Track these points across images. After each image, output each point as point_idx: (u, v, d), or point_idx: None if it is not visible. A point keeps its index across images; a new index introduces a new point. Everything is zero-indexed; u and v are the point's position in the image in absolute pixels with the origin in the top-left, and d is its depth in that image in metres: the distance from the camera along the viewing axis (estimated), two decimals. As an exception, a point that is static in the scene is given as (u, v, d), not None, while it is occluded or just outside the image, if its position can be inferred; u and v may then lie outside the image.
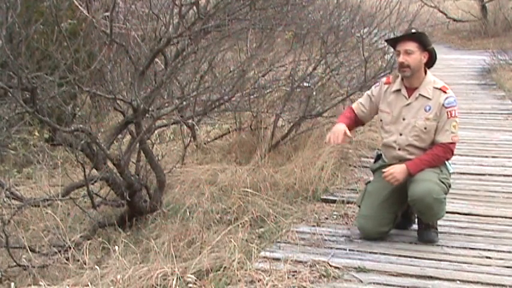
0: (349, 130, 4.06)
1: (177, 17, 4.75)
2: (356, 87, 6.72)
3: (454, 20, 18.24)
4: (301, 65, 6.57)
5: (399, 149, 4.04)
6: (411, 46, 3.96)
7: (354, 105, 4.27)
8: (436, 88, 4.00)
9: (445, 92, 3.99)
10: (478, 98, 9.53)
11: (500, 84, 10.51)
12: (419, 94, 4.01)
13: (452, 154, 4.02)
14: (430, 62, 4.06)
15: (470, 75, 11.80)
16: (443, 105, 3.96)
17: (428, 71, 4.07)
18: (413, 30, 4.05)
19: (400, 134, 4.03)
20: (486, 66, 12.33)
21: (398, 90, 4.07)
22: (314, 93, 6.37)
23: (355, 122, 4.23)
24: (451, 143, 3.97)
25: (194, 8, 4.85)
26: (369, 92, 4.25)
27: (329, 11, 7.19)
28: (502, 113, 8.38)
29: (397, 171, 3.92)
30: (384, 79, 4.21)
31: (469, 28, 17.84)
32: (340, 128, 4.01)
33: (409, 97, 4.03)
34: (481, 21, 17.49)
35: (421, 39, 3.99)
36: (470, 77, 11.54)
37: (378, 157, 4.28)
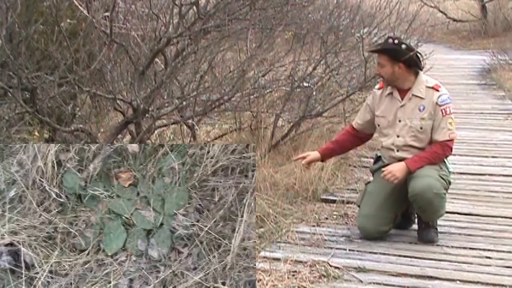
0: (333, 152, 4.37)
1: (177, 17, 4.75)
2: (356, 87, 6.72)
3: (454, 20, 18.23)
4: (301, 65, 6.56)
5: (398, 151, 4.05)
6: (382, 59, 3.97)
7: (353, 122, 4.31)
8: (429, 87, 4.00)
9: (437, 90, 3.98)
10: (478, 98, 9.53)
11: (500, 84, 10.50)
12: (413, 94, 4.01)
13: (451, 151, 4.02)
14: (416, 66, 4.03)
15: (470, 75, 11.79)
16: (436, 103, 3.96)
17: (420, 72, 4.06)
18: (381, 45, 4.03)
19: (398, 136, 4.04)
20: (486, 66, 12.31)
21: (391, 94, 4.08)
22: (314, 93, 6.37)
23: (354, 139, 4.29)
24: (449, 140, 3.97)
25: (194, 8, 4.85)
26: (365, 102, 4.27)
27: (329, 11, 7.20)
28: (502, 113, 8.37)
29: (396, 169, 3.92)
30: (377, 86, 4.23)
31: (469, 28, 17.82)
32: (310, 156, 4.24)
33: (402, 99, 4.03)
34: (481, 21, 17.48)
35: (390, 53, 3.95)
36: (470, 77, 11.53)
37: (378, 158, 4.29)
